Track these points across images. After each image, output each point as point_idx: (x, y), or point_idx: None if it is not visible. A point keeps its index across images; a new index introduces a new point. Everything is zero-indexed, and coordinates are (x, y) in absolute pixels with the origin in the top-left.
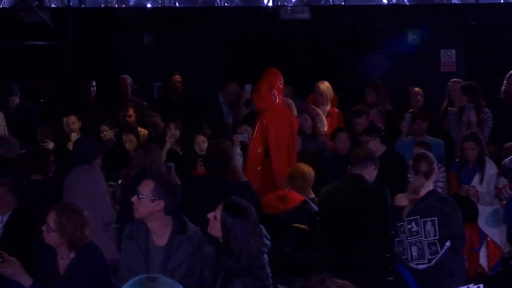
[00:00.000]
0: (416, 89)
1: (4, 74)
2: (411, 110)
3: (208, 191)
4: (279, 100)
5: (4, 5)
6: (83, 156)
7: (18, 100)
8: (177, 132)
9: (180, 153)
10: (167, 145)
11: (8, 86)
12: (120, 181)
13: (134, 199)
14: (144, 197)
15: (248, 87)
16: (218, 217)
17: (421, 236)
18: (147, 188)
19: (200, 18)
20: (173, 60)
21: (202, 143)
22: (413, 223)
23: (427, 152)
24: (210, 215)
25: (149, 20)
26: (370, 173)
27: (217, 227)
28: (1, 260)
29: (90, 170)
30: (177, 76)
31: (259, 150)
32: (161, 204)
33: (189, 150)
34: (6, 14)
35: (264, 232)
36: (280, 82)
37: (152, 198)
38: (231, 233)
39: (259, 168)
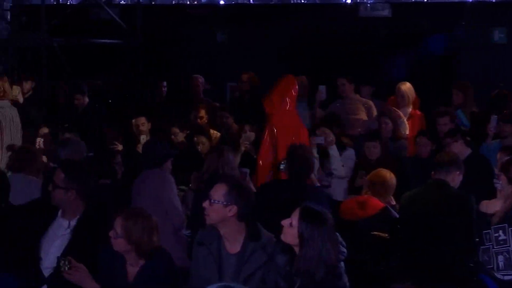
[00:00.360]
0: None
1: (72, 73)
2: (505, 111)
3: (286, 196)
4: (290, 108)
5: (72, 2)
6: (153, 160)
7: (87, 99)
8: (252, 135)
9: (255, 156)
10: (241, 149)
11: (76, 85)
12: (191, 185)
13: (205, 204)
14: (216, 202)
15: (322, 88)
16: (295, 223)
17: (509, 246)
18: (219, 192)
19: (275, 15)
20: (247, 59)
21: None
22: (501, 231)
23: None
24: (285, 222)
25: (222, 17)
26: (454, 179)
27: (292, 234)
28: (68, 266)
29: (160, 174)
30: (244, 76)
31: (270, 155)
32: (234, 209)
33: None
34: (74, 11)
35: (340, 239)
36: (294, 90)
37: (224, 203)
38: (309, 241)
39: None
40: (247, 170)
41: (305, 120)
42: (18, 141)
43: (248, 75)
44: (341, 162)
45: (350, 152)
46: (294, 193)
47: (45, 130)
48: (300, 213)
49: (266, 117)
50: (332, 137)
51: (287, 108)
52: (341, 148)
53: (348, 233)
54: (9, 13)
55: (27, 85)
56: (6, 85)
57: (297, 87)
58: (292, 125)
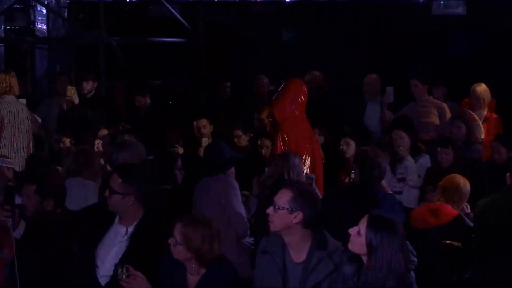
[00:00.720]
0: None
1: (131, 73)
2: None
3: (355, 203)
4: (300, 114)
5: None
6: (216, 165)
7: (149, 100)
8: (320, 139)
9: (323, 161)
10: None
11: (135, 86)
12: (253, 191)
13: (270, 210)
14: (281, 208)
15: (390, 89)
16: (363, 232)
17: None
18: (284, 198)
19: (344, 13)
20: (313, 58)
21: (346, 149)
22: None
23: None
24: (352, 231)
25: (288, 14)
26: None
27: (360, 243)
28: (126, 274)
29: (223, 179)
30: (307, 76)
31: None
32: (299, 216)
33: (333, 157)
34: (133, 8)
35: (410, 247)
36: (304, 95)
37: (289, 209)
38: (377, 250)
39: None
40: (313, 176)
41: (375, 122)
42: (23, 138)
43: (311, 75)
44: (416, 173)
45: (426, 160)
46: (364, 199)
47: (104, 131)
48: (368, 221)
49: (277, 124)
50: (407, 143)
51: (297, 114)
52: (416, 153)
53: (419, 241)
54: (66, 10)
55: (88, 85)
56: (13, 80)
57: (306, 91)
58: (304, 131)
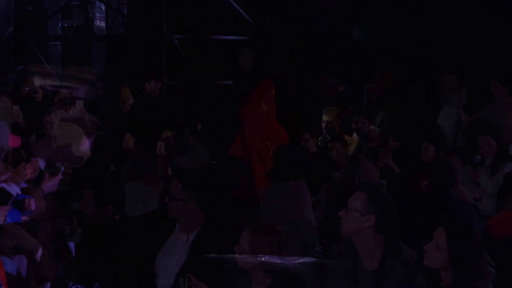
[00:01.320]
0: None
1: (192, 73)
2: None
3: (430, 209)
4: (267, 111)
5: None
6: (287, 171)
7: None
8: (395, 145)
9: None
10: (379, 164)
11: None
12: (320, 197)
13: (342, 212)
14: (354, 210)
15: (463, 91)
16: (442, 245)
17: None
18: (358, 200)
19: (420, 9)
20: (387, 58)
21: (425, 154)
22: None
23: None
24: (429, 246)
25: (359, 11)
26: None
27: (440, 258)
28: (188, 284)
29: (294, 186)
30: (376, 76)
31: None
32: (372, 219)
33: (409, 164)
34: (194, 4)
35: (488, 258)
36: (270, 94)
37: (362, 212)
38: (460, 262)
39: None
40: (384, 182)
41: (451, 124)
42: None
43: (381, 76)
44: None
45: (510, 167)
46: (436, 206)
47: (167, 133)
48: (447, 233)
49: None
50: (494, 150)
51: (264, 114)
52: (502, 159)
53: (496, 252)
54: (125, 6)
55: (150, 86)
56: None
57: (273, 91)
58: (270, 128)
